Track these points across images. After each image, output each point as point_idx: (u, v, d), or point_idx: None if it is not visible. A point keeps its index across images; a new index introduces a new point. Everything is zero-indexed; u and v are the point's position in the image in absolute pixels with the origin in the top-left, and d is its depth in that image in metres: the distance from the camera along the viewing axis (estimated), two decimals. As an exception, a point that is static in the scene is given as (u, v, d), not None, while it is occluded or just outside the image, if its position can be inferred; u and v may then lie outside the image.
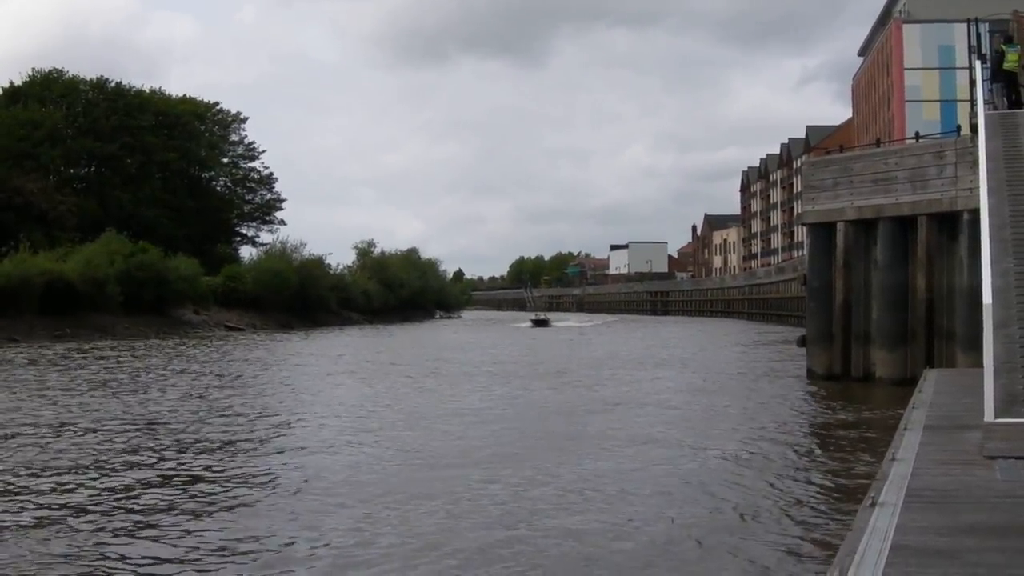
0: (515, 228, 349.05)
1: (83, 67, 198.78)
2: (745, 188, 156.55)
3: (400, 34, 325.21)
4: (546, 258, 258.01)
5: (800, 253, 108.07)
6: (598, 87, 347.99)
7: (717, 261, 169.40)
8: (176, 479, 13.80)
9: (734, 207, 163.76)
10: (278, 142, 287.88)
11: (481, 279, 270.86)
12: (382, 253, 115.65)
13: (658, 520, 11.20)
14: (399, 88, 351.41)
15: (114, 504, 12.11)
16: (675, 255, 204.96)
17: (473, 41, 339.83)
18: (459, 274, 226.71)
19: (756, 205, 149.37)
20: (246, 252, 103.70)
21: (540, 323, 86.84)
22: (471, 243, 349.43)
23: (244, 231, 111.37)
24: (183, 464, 15.00)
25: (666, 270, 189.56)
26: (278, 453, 16.19)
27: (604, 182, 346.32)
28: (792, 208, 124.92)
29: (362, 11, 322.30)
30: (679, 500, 12.29)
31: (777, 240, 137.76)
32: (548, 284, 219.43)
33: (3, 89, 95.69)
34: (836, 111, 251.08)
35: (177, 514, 11.61)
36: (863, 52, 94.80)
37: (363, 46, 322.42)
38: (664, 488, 13.01)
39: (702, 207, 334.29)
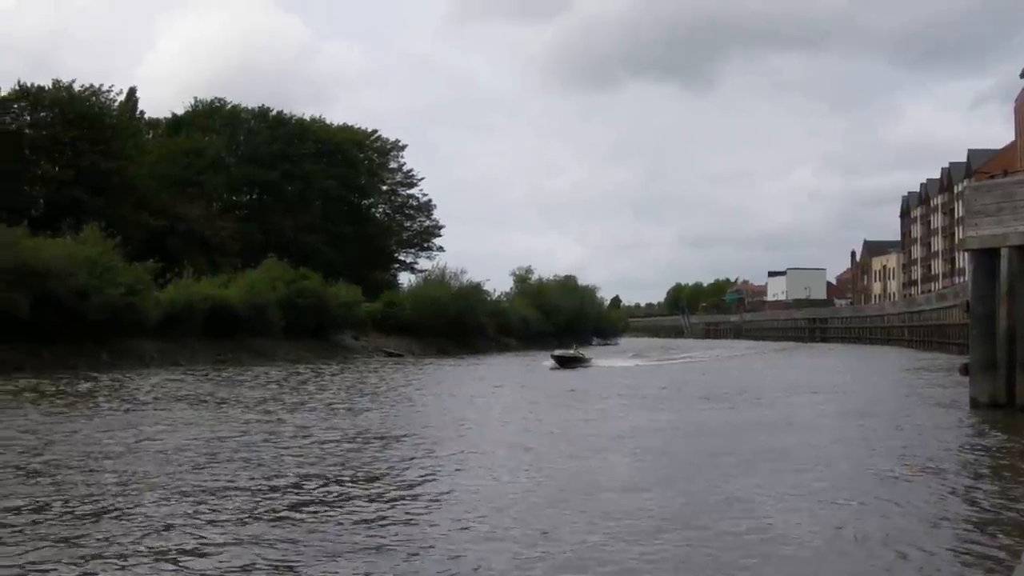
0: (676, 253, 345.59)
1: (253, 96, 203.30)
2: (905, 213, 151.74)
3: (569, 59, 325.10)
4: (704, 284, 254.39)
5: (961, 279, 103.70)
6: (764, 110, 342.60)
7: (876, 288, 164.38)
8: (363, 496, 13.91)
9: (894, 233, 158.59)
10: (441, 167, 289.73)
11: (638, 305, 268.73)
12: (540, 280, 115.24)
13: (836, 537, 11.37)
14: (566, 113, 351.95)
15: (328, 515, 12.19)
16: (834, 282, 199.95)
17: (642, 65, 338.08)
18: (616, 300, 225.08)
19: (916, 231, 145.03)
20: (404, 278, 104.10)
21: (569, 362, 55.90)
22: (631, 268, 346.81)
23: (403, 257, 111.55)
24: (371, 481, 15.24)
25: (824, 297, 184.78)
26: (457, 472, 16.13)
27: (767, 207, 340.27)
28: (953, 234, 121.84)
29: (532, 37, 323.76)
30: (851, 517, 12.35)
31: (938, 266, 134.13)
32: (706, 311, 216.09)
33: (167, 119, 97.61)
34: (1002, 134, 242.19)
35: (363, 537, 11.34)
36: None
37: (532, 71, 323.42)
38: (832, 512, 12.85)
39: (862, 232, 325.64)
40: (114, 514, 12.27)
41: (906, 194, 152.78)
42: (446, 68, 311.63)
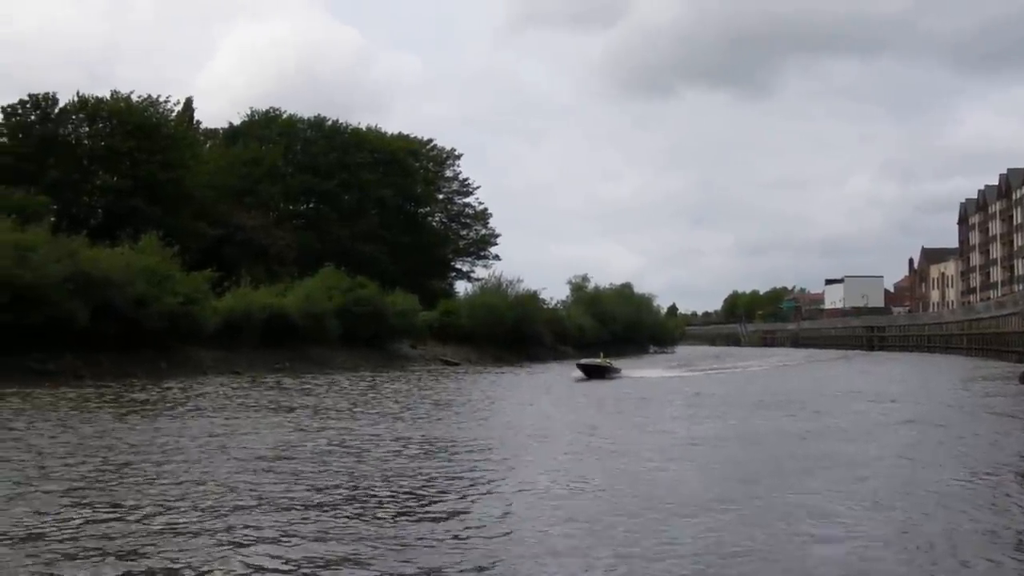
0: (732, 261, 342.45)
1: (310, 106, 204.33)
2: (963, 220, 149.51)
3: (625, 66, 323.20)
4: (761, 292, 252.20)
5: (1020, 287, 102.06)
6: (821, 117, 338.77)
7: (934, 295, 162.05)
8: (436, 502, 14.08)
9: (952, 239, 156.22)
10: (497, 175, 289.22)
11: (695, 314, 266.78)
12: (596, 288, 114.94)
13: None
14: (622, 121, 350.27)
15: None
16: (891, 289, 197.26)
17: (697, 72, 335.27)
18: (673, 309, 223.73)
19: (975, 238, 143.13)
20: (461, 287, 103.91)
21: (596, 371, 52.35)
22: (687, 277, 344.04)
23: (459, 266, 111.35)
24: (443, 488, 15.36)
25: (882, 304, 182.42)
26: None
27: (824, 214, 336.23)
28: (1012, 240, 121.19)
29: (588, 44, 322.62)
30: (915, 525, 12.48)
31: (997, 274, 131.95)
32: (762, 319, 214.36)
33: (223, 129, 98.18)
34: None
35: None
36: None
37: (587, 79, 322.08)
38: (896, 520, 12.95)
39: (920, 239, 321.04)
40: (198, 518, 12.55)
41: (964, 200, 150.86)
42: (502, 76, 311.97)
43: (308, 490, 14.64)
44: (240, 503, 13.54)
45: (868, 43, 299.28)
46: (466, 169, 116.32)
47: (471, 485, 15.64)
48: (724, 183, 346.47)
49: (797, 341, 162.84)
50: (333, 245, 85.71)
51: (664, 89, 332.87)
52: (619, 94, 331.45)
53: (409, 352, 69.10)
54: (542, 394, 39.36)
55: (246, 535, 11.53)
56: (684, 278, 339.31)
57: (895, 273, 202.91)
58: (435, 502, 14.11)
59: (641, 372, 57.14)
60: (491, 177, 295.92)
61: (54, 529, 11.89)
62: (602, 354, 58.68)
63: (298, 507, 13.33)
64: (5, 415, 25.82)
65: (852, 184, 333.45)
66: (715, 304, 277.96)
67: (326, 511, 13.12)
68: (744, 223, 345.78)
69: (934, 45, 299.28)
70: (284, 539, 11.37)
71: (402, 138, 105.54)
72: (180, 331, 48.55)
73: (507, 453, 19.62)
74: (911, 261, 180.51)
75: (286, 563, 10.36)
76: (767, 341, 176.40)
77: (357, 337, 62.77)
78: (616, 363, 56.82)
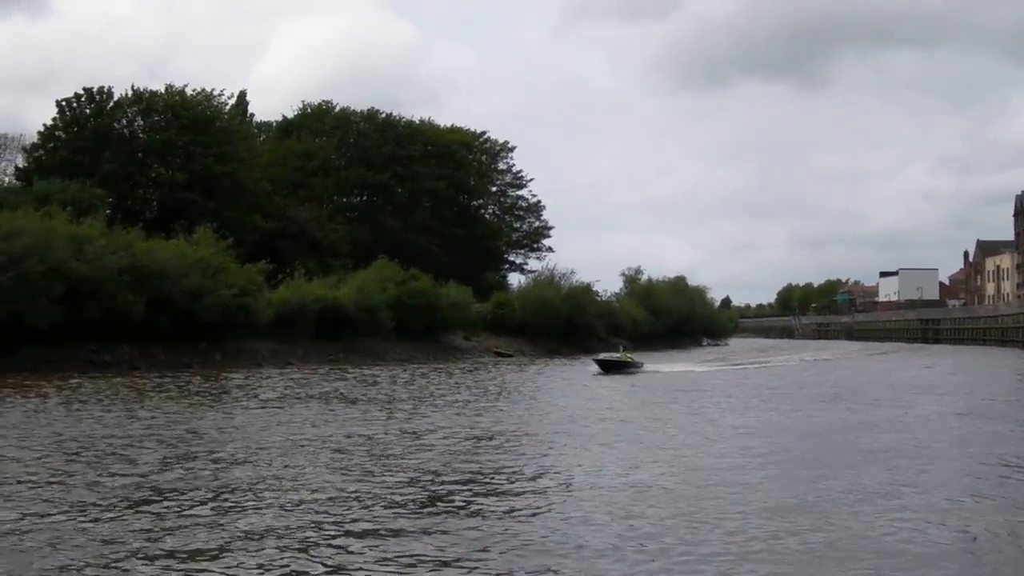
0: (787, 254, 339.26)
1: (364, 99, 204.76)
2: (1019, 213, 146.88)
3: (681, 59, 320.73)
4: (815, 285, 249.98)
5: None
6: (878, 109, 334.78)
7: (990, 288, 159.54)
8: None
9: (1008, 232, 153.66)
10: (550, 168, 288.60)
11: (749, 306, 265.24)
12: (649, 280, 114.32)
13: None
14: (677, 113, 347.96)
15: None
16: (946, 282, 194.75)
17: (754, 64, 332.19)
18: (727, 301, 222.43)
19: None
20: (514, 279, 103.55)
21: (615, 367, 49.67)
22: (743, 269, 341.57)
23: (512, 258, 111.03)
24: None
25: (936, 297, 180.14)
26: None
27: (879, 206, 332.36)
28: None
29: (644, 36, 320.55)
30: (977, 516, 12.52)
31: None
32: (816, 311, 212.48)
33: (277, 122, 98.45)
34: None
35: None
36: None
37: (643, 71, 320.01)
38: (957, 511, 13.00)
39: (976, 232, 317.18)
40: (273, 504, 12.83)
41: (1020, 192, 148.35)
42: (557, 69, 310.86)
43: (382, 485, 14.49)
44: (319, 496, 13.50)
45: (925, 34, 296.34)
46: (520, 161, 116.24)
47: (538, 476, 15.67)
48: (780, 176, 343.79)
49: (851, 334, 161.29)
50: (386, 237, 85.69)
51: (721, 81, 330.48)
52: (675, 86, 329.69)
53: (462, 344, 68.94)
54: (595, 386, 38.94)
55: (329, 530, 11.46)
56: (738, 271, 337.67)
57: (950, 266, 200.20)
58: (506, 494, 14.03)
59: (669, 367, 54.03)
60: (545, 170, 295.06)
61: (136, 518, 12.03)
62: (622, 348, 56.19)
63: (374, 500, 13.20)
64: (74, 405, 26.02)
65: (908, 176, 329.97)
66: (769, 297, 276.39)
67: (403, 506, 12.97)
68: (800, 216, 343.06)
69: (991, 36, 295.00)
70: (369, 535, 11.21)
71: (455, 131, 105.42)
72: (234, 323, 48.60)
73: (570, 444, 19.52)
74: (966, 254, 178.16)
75: (376, 561, 10.20)
76: (821, 333, 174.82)
77: (410, 329, 62.63)
78: (638, 357, 54.11)
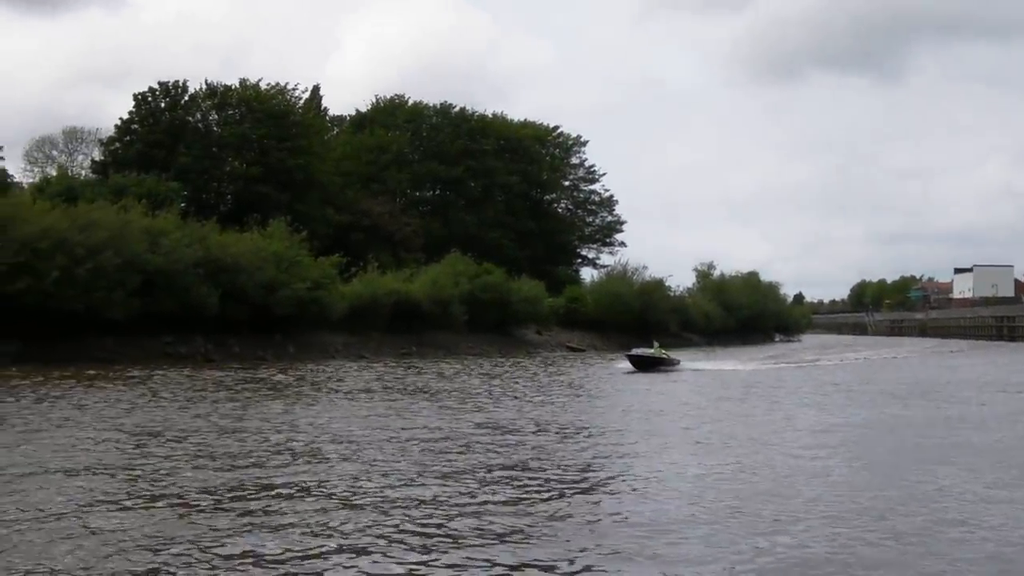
0: (861, 250, 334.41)
1: (438, 93, 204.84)
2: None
3: (756, 52, 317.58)
4: (889, 281, 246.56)
5: None
6: (955, 103, 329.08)
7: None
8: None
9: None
10: (624, 162, 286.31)
11: (821, 302, 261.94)
12: (722, 275, 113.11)
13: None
14: (752, 107, 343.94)
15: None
16: (1021, 279, 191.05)
17: (829, 58, 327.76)
18: (799, 297, 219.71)
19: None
20: (587, 274, 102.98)
21: (649, 364, 44.87)
22: (816, 266, 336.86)
23: (585, 253, 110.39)
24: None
25: (1012, 294, 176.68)
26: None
27: (956, 202, 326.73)
28: None
29: (719, 30, 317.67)
30: None
31: None
32: (890, 308, 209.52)
33: (350, 116, 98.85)
34: None
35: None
36: None
37: (717, 65, 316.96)
38: None
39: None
40: (356, 497, 12.78)
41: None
42: (631, 63, 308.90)
43: (472, 481, 14.17)
44: (412, 493, 13.19)
45: (1004, 26, 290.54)
46: (593, 156, 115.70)
47: (621, 473, 15.33)
48: (855, 170, 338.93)
49: (925, 331, 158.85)
50: (459, 231, 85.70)
51: (796, 75, 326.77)
52: (750, 80, 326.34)
53: (534, 338, 68.68)
54: (670, 382, 38.37)
55: (412, 527, 11.17)
56: (812, 267, 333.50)
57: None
58: (587, 490, 13.74)
59: (714, 364, 49.47)
60: (618, 164, 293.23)
61: (233, 505, 12.03)
62: (656, 343, 50.39)
63: (463, 498, 12.86)
64: (162, 396, 26.22)
65: (985, 172, 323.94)
66: (842, 293, 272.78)
67: (497, 504, 12.59)
68: (875, 211, 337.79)
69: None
70: (463, 538, 10.80)
71: (528, 125, 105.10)
72: (308, 316, 48.68)
73: (650, 440, 19.24)
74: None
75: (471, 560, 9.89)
76: (895, 330, 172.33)
77: (482, 323, 62.51)
78: (675, 355, 49.38)
